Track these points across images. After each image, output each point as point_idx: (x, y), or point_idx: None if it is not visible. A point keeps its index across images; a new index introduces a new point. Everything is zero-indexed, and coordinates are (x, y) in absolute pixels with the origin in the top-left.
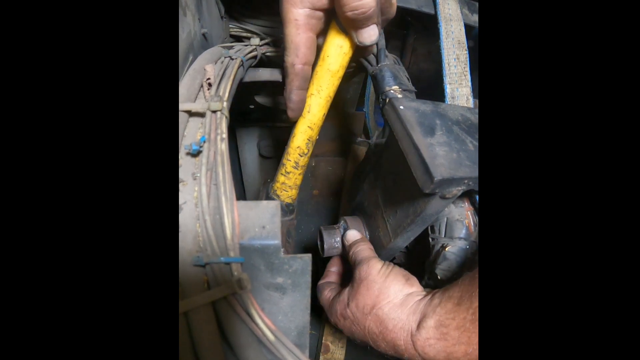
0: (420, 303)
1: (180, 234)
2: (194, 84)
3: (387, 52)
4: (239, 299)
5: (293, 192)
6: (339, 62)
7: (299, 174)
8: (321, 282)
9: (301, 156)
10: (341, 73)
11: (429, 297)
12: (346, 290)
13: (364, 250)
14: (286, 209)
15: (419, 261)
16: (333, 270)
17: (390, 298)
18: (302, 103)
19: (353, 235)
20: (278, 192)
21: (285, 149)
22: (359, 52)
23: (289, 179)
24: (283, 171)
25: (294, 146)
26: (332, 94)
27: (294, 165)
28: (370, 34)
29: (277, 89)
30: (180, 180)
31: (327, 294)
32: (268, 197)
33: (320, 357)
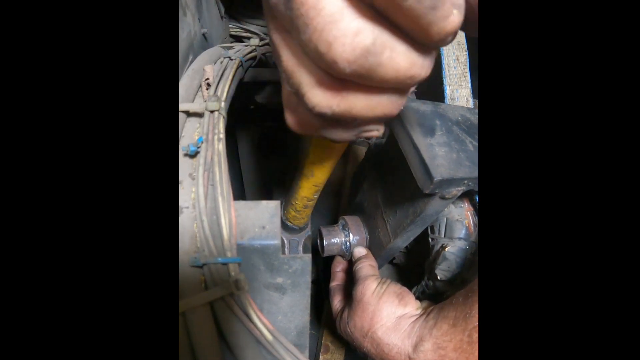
0: (415, 325)
1: None
2: (192, 84)
3: None
4: (237, 300)
5: (306, 219)
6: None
7: (310, 209)
8: (333, 284)
9: (309, 201)
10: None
11: (423, 317)
12: (346, 309)
13: (364, 268)
14: (299, 229)
15: (419, 261)
16: (339, 271)
17: (384, 321)
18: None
19: (359, 252)
20: (291, 220)
21: (292, 189)
22: None
23: (300, 214)
24: (293, 208)
25: (301, 195)
26: (336, 160)
27: (304, 206)
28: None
29: (277, 88)
30: None
31: (336, 304)
32: (282, 221)
33: (320, 357)
